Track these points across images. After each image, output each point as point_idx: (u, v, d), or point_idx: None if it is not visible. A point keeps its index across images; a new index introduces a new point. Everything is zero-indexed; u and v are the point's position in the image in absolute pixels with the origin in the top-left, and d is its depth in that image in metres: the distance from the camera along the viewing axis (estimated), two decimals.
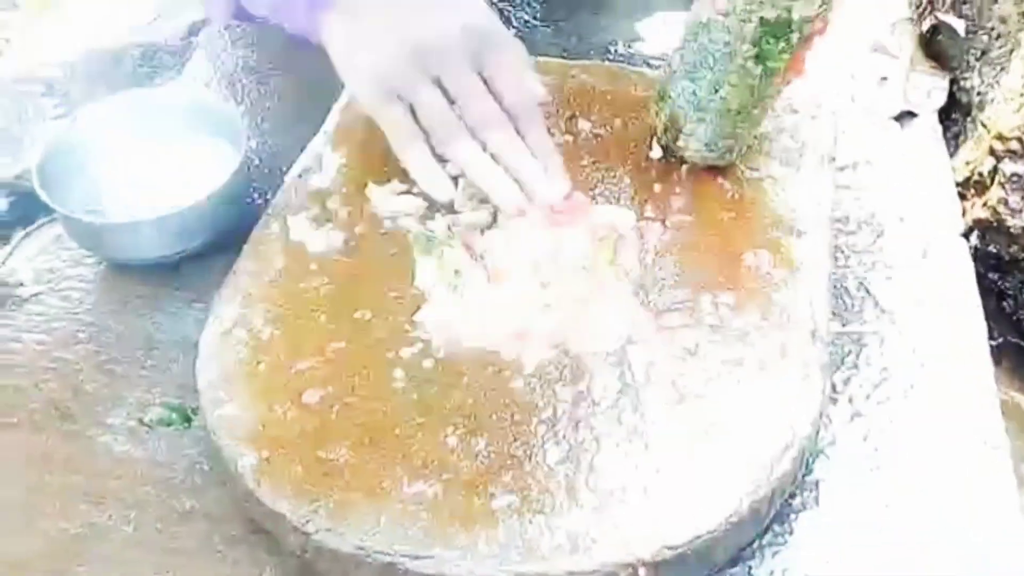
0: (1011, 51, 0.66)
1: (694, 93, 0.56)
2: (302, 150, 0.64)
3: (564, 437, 0.47)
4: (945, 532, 0.47)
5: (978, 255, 0.63)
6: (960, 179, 0.67)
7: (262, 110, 0.71)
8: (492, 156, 0.57)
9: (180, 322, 0.59)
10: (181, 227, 0.60)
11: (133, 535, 0.49)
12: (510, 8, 0.83)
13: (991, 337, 0.57)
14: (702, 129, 0.57)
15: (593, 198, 0.58)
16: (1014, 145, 0.63)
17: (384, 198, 0.59)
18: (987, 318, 0.57)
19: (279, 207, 0.60)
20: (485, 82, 0.57)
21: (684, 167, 0.60)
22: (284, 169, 0.63)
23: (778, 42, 0.52)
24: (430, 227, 0.57)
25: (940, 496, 0.49)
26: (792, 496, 0.49)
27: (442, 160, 0.58)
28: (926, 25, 0.76)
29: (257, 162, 0.68)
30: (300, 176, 0.62)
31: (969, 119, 0.69)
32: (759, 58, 0.53)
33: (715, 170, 0.60)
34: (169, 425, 0.54)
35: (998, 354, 0.56)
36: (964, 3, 0.74)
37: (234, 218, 0.62)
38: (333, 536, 0.44)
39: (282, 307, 0.54)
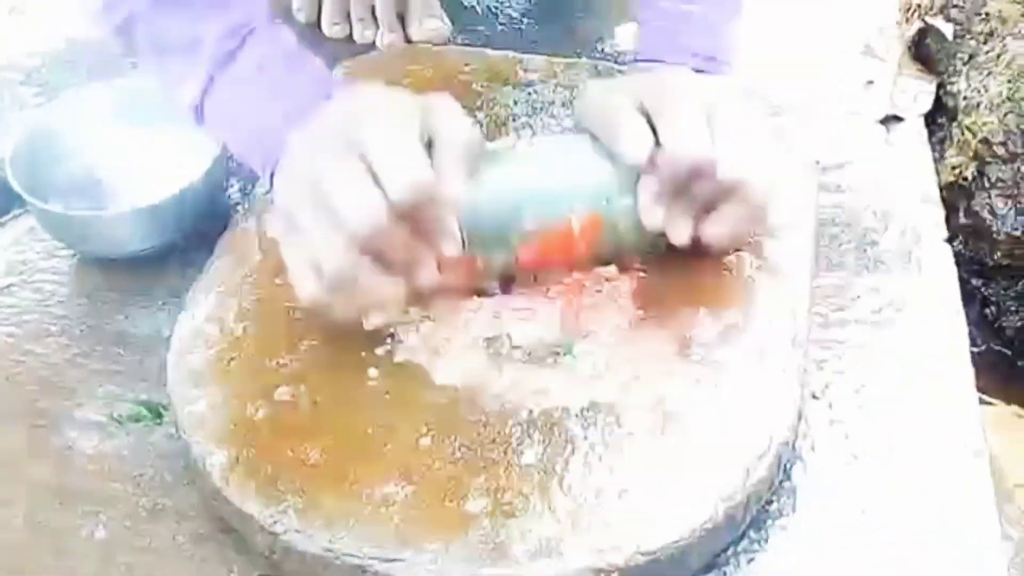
0: (998, 56, 0.66)
1: None
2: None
3: (539, 440, 0.47)
4: (923, 539, 0.47)
5: (961, 261, 0.62)
6: (945, 184, 0.66)
7: None
8: None
9: (153, 317, 0.58)
10: (156, 221, 0.59)
11: (101, 532, 0.48)
12: (498, 4, 0.82)
13: (973, 343, 0.57)
14: None
15: None
16: (1000, 151, 0.63)
17: None
18: (969, 324, 0.57)
19: (256, 201, 0.59)
20: None
21: None
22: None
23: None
24: None
25: (919, 503, 0.48)
26: (769, 502, 0.48)
27: None
28: (914, 29, 0.75)
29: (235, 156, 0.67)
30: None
31: (955, 124, 0.69)
32: None
33: None
34: (139, 421, 0.53)
35: (980, 360, 0.56)
36: (953, 7, 0.73)
37: (210, 212, 0.61)
38: (301, 537, 0.43)
39: (256, 303, 0.53)
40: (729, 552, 0.46)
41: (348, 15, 0.79)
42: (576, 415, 0.47)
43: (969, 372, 0.54)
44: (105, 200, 0.62)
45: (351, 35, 0.79)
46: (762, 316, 0.51)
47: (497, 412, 0.48)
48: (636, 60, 0.60)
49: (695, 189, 0.49)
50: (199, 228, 0.60)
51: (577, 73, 0.67)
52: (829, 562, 0.46)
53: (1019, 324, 0.64)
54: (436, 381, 0.49)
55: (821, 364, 0.54)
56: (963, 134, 0.66)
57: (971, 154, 0.65)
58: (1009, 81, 0.64)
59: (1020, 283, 0.63)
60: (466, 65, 0.69)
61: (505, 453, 0.46)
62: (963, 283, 0.60)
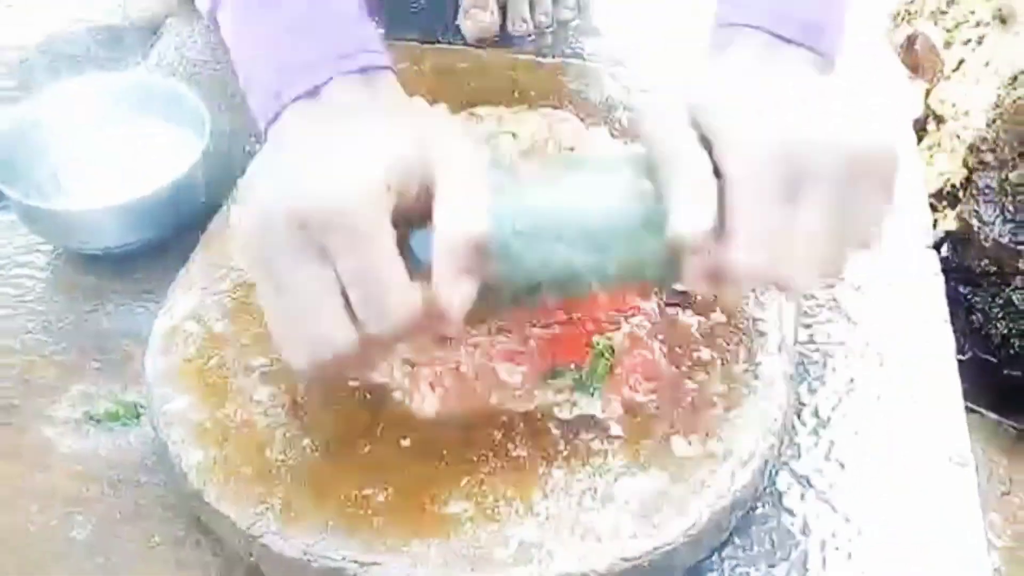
0: (986, 63, 0.66)
1: None
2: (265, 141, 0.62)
3: (521, 444, 0.46)
4: (908, 548, 0.47)
5: (949, 268, 0.62)
6: (933, 190, 0.66)
7: (227, 99, 0.69)
8: None
9: (133, 314, 0.57)
10: (138, 216, 0.58)
11: (76, 533, 0.47)
12: None
13: (960, 351, 0.56)
14: None
15: None
16: (987, 157, 0.63)
17: None
18: (956, 332, 0.57)
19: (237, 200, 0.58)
20: None
21: None
22: (246, 161, 0.61)
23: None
24: None
25: (904, 511, 0.48)
26: (753, 508, 0.48)
27: None
28: (903, 34, 0.75)
29: (219, 152, 0.66)
30: None
31: (944, 130, 0.69)
32: None
33: None
34: (116, 420, 0.52)
35: (966, 369, 0.56)
36: (941, 13, 0.73)
37: (193, 209, 0.60)
38: (279, 539, 0.43)
39: (236, 302, 0.52)
40: (713, 558, 0.46)
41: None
42: (560, 419, 0.47)
43: (956, 380, 0.54)
44: (86, 195, 0.61)
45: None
46: (750, 321, 0.51)
47: (479, 415, 0.47)
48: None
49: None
50: (181, 225, 0.59)
51: (567, 72, 0.67)
52: (814, 569, 0.46)
53: (1005, 332, 0.63)
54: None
55: (806, 370, 0.54)
56: (952, 140, 0.66)
57: (959, 161, 0.65)
58: (997, 88, 0.64)
59: (1006, 290, 0.63)
60: (462, 62, 0.68)
61: (487, 456, 0.45)
62: (951, 291, 0.60)
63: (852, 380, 0.53)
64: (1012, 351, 0.63)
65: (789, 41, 0.42)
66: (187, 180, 0.59)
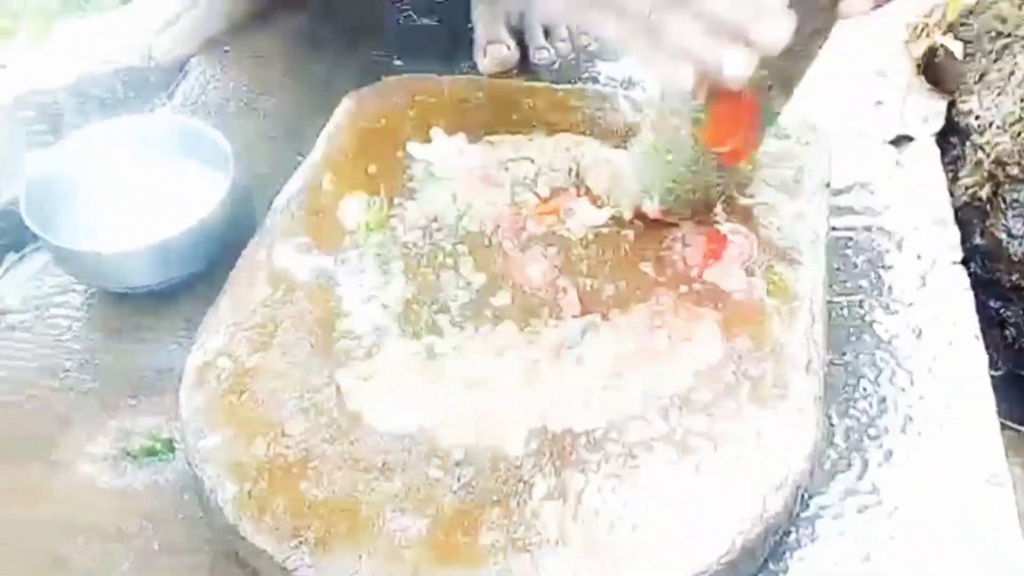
0: (1010, 74, 0.65)
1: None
2: (290, 177, 0.63)
3: (552, 472, 0.46)
4: (947, 570, 0.46)
5: (979, 283, 0.61)
6: (959, 204, 0.65)
7: (251, 136, 0.70)
8: None
9: (167, 351, 0.58)
10: (169, 255, 0.59)
11: (114, 568, 0.48)
12: None
13: (994, 367, 0.56)
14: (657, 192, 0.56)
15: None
16: (1014, 171, 0.62)
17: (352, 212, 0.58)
18: (989, 348, 0.56)
19: (265, 234, 0.59)
20: None
21: None
22: (272, 196, 0.63)
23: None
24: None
25: (940, 534, 0.47)
26: (787, 533, 0.47)
27: None
28: (923, 47, 0.75)
29: (245, 189, 0.67)
30: (287, 203, 0.61)
31: (968, 143, 0.68)
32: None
33: None
34: (153, 455, 0.53)
35: (1001, 385, 0.55)
36: (962, 25, 0.73)
37: (222, 246, 0.61)
38: (315, 572, 0.43)
39: (267, 336, 0.53)
40: None
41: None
42: (589, 445, 0.47)
43: (989, 397, 0.53)
44: (118, 236, 0.62)
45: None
46: (777, 342, 0.51)
47: (510, 446, 0.47)
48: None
49: None
50: (209, 262, 0.61)
51: (583, 97, 0.67)
52: None
53: None
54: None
55: (837, 391, 0.53)
56: (976, 154, 0.66)
57: (985, 174, 0.64)
58: (1022, 100, 0.63)
59: None
60: (478, 92, 0.69)
61: (517, 485, 0.46)
62: (981, 306, 0.59)
63: (883, 400, 0.53)
64: None
65: None
66: (213, 218, 0.60)
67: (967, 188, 0.65)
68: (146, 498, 0.51)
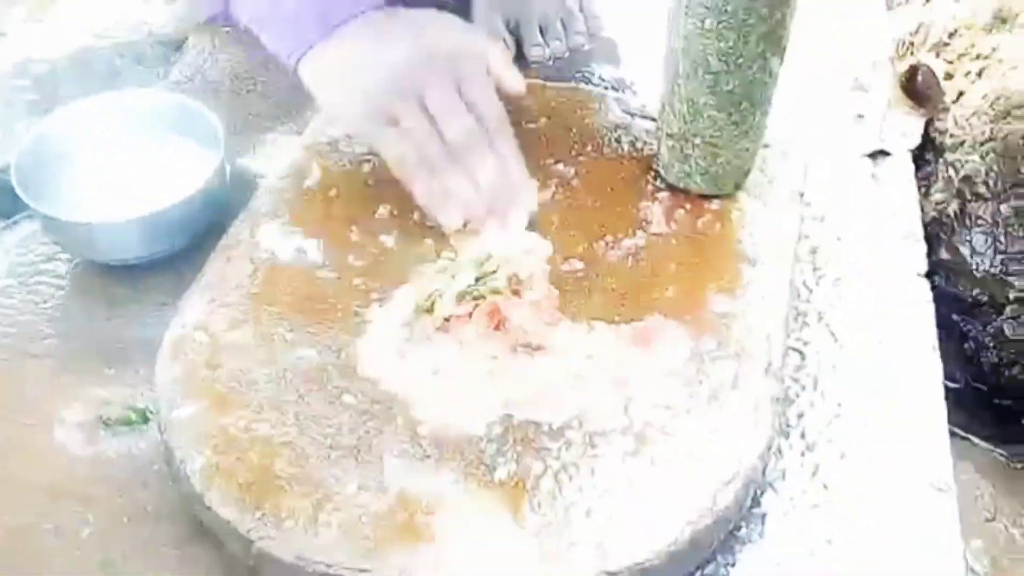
0: (983, 95, 0.67)
1: (684, 119, 0.58)
2: (281, 157, 0.64)
3: (510, 458, 0.48)
4: (888, 570, 0.47)
5: (942, 296, 0.63)
6: (928, 220, 0.67)
7: (246, 114, 0.71)
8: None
9: (147, 323, 0.59)
10: (155, 229, 0.60)
11: (83, 532, 0.49)
12: None
13: (953, 380, 0.57)
14: (692, 158, 0.58)
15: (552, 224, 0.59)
16: (980, 189, 0.64)
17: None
18: (949, 361, 0.58)
19: (251, 213, 0.60)
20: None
21: (652, 193, 0.61)
22: (260, 175, 0.64)
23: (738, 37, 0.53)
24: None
25: (886, 535, 0.49)
26: (737, 528, 0.49)
27: None
28: (906, 65, 0.76)
29: (235, 167, 0.68)
30: (275, 183, 0.62)
31: (941, 160, 0.70)
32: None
33: (682, 199, 0.60)
34: (128, 424, 0.54)
35: (960, 397, 0.57)
36: (944, 45, 0.74)
37: (206, 222, 0.62)
38: (275, 544, 0.44)
39: (246, 313, 0.54)
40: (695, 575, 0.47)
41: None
42: (548, 434, 0.48)
43: (942, 407, 0.55)
44: (106, 208, 0.63)
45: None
46: (738, 343, 0.52)
47: (474, 428, 0.49)
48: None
49: None
50: (195, 237, 0.62)
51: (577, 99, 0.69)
52: None
53: (996, 360, 0.64)
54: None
55: (795, 394, 0.55)
56: (947, 171, 0.67)
57: (954, 191, 0.66)
58: (992, 121, 0.65)
59: (998, 320, 0.63)
60: None
61: (476, 470, 0.47)
62: (944, 320, 0.61)
63: (840, 404, 0.55)
64: (1002, 380, 0.64)
65: None
66: (202, 195, 0.61)
67: (936, 204, 0.66)
68: (118, 465, 0.52)
